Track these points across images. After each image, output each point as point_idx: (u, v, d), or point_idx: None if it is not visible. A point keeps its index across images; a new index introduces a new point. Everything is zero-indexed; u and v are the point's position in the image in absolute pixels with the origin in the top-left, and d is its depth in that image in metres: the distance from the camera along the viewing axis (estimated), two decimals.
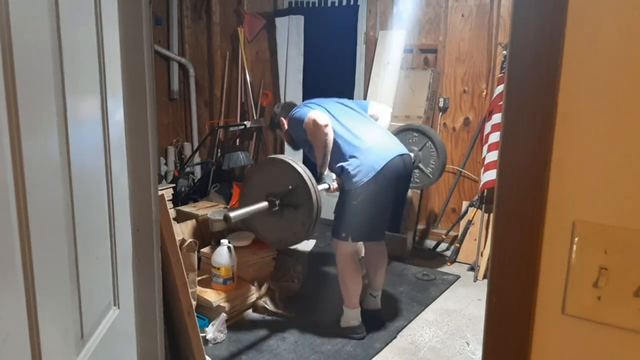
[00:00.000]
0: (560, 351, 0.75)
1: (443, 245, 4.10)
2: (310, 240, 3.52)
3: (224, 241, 2.95)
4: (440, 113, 4.05)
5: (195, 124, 5.42)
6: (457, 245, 3.88)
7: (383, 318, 2.94)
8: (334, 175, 2.65)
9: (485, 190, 3.57)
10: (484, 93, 3.86)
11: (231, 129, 5.09)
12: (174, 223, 2.86)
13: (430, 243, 4.16)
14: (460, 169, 4.02)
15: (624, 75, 0.65)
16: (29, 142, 0.69)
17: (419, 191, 3.98)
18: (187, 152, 5.39)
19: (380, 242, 2.85)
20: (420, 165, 3.21)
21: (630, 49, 0.64)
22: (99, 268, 1.02)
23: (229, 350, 2.65)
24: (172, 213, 3.41)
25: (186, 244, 2.66)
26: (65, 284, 0.84)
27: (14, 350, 0.67)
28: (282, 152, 4.88)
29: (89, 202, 0.96)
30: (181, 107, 5.49)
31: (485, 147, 3.51)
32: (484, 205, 3.64)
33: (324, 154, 2.59)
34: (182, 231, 3.27)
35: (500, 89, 3.50)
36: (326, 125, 2.55)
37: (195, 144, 5.37)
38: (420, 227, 4.21)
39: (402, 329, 2.90)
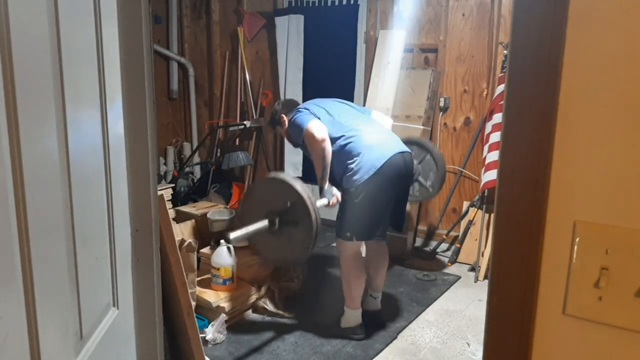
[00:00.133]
0: (561, 352, 0.74)
1: (444, 246, 4.09)
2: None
3: (224, 241, 2.95)
4: (441, 113, 4.04)
5: (194, 124, 5.42)
6: (458, 245, 3.88)
7: (383, 319, 2.94)
8: (334, 190, 2.67)
9: (486, 190, 3.56)
10: (485, 93, 3.85)
11: (231, 128, 5.09)
12: (173, 223, 2.86)
13: (430, 243, 4.15)
14: (461, 169, 4.02)
15: (625, 74, 0.65)
16: (28, 142, 0.68)
17: (417, 204, 3.99)
18: (187, 152, 5.39)
19: (382, 241, 2.85)
20: (420, 178, 3.20)
21: (632, 48, 0.64)
22: (98, 268, 1.02)
23: (228, 351, 2.65)
24: (171, 213, 3.41)
25: (185, 244, 2.66)
26: (64, 285, 0.84)
27: (14, 351, 0.67)
28: (282, 151, 4.89)
29: (88, 202, 0.96)
30: (181, 107, 5.48)
31: (486, 147, 3.51)
32: (484, 206, 3.64)
33: (322, 167, 2.60)
34: (182, 231, 3.27)
35: (501, 88, 3.49)
36: (323, 140, 2.57)
37: (195, 144, 5.37)
38: (421, 227, 4.21)
39: (403, 329, 2.90)
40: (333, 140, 2.64)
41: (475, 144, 3.92)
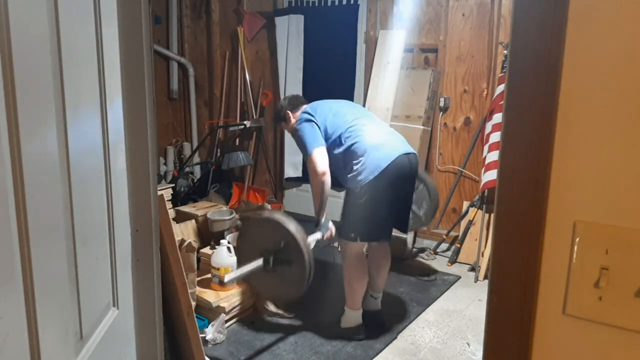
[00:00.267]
0: (561, 352, 0.74)
1: (444, 246, 4.09)
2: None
3: (224, 241, 2.95)
4: (441, 113, 4.04)
5: (194, 124, 5.42)
6: (458, 245, 3.88)
7: (383, 319, 2.94)
8: (330, 223, 2.70)
9: (486, 190, 3.56)
10: (485, 93, 3.85)
11: (231, 128, 5.09)
12: (173, 223, 2.86)
13: (431, 243, 4.15)
14: (461, 169, 4.02)
15: (625, 74, 0.65)
16: (28, 142, 0.68)
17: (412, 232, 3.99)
18: (187, 152, 5.39)
19: (386, 241, 2.85)
20: (414, 207, 3.21)
21: (632, 48, 0.64)
22: (98, 268, 1.02)
23: (228, 350, 2.65)
24: (171, 213, 3.41)
25: (185, 244, 2.66)
26: (64, 285, 0.84)
27: (14, 351, 0.67)
28: (282, 151, 4.89)
29: (88, 202, 0.96)
30: (180, 107, 5.48)
31: (486, 147, 3.51)
32: (484, 206, 3.64)
33: (320, 201, 2.63)
34: (182, 231, 3.27)
35: (501, 88, 3.50)
36: (324, 173, 2.58)
37: (195, 144, 5.37)
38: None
39: (403, 329, 2.90)
40: (338, 140, 2.64)
41: (475, 144, 3.92)
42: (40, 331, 0.73)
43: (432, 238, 4.17)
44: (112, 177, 1.06)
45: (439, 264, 3.88)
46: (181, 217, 3.46)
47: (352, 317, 2.80)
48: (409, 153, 2.66)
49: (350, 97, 4.37)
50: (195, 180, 4.96)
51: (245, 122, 4.80)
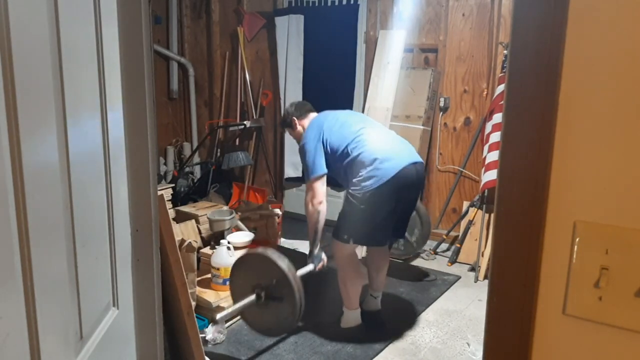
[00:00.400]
0: (561, 352, 0.74)
1: (443, 246, 4.09)
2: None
3: (224, 241, 2.95)
4: (441, 113, 4.04)
5: (194, 124, 5.42)
6: (458, 245, 3.88)
7: (383, 319, 2.94)
8: (323, 254, 2.72)
9: (486, 190, 3.56)
10: (485, 93, 3.85)
11: (231, 128, 5.09)
12: (173, 223, 2.86)
13: (430, 243, 4.15)
14: (461, 169, 4.02)
15: (625, 74, 0.65)
16: (28, 142, 0.68)
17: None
18: (187, 152, 5.39)
19: (383, 247, 2.85)
20: (406, 234, 3.21)
21: (632, 48, 0.64)
22: (98, 268, 1.02)
23: (228, 350, 2.65)
24: (171, 213, 3.41)
25: (185, 244, 2.66)
26: (64, 285, 0.84)
27: (14, 351, 0.67)
28: (282, 151, 4.89)
29: (88, 203, 0.96)
30: (180, 107, 5.48)
31: (486, 147, 3.51)
32: (484, 206, 3.64)
33: (315, 230, 2.66)
34: (182, 231, 3.26)
35: (501, 88, 3.49)
36: (320, 203, 2.64)
37: (195, 144, 5.37)
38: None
39: (403, 329, 2.90)
40: (346, 151, 2.65)
41: (475, 144, 3.92)
42: (40, 331, 0.73)
43: (432, 238, 4.16)
44: (112, 177, 1.06)
45: (439, 264, 3.88)
46: (181, 217, 3.46)
47: (351, 317, 2.80)
48: (416, 162, 2.66)
49: (350, 97, 4.37)
50: (195, 180, 4.96)
51: (245, 122, 4.80)
